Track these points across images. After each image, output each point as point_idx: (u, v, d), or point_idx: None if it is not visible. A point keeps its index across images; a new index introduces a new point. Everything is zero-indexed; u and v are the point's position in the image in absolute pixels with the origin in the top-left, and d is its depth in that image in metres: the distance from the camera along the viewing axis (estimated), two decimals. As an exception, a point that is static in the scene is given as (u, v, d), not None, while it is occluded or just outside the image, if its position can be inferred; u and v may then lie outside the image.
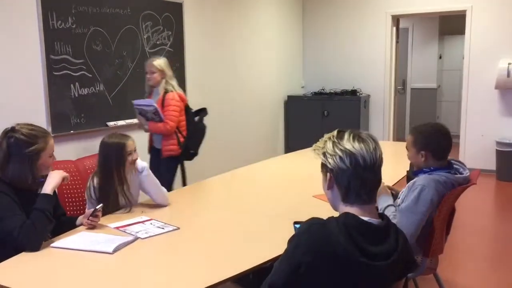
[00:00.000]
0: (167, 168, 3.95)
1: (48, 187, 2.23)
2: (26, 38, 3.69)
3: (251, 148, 6.41)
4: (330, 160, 1.46)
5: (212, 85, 5.71)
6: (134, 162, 2.68)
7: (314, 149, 1.53)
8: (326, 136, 1.53)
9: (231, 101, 6.08)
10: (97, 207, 2.39)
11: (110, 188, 2.62)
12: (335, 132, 1.51)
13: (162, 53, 4.90)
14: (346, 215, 1.42)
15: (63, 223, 2.41)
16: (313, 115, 7.01)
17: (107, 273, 1.94)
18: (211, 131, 5.79)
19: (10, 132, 2.25)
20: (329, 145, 1.48)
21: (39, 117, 3.79)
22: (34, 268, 1.98)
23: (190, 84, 5.30)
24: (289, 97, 7.25)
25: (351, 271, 1.35)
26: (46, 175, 2.29)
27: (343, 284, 1.37)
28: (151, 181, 2.74)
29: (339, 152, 1.45)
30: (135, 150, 2.69)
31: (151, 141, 4.11)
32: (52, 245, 2.15)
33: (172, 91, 3.85)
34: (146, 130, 3.97)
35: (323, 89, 7.29)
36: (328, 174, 1.49)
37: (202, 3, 5.49)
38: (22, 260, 2.02)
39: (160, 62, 3.86)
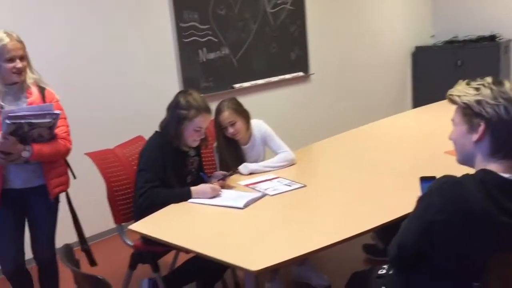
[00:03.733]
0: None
1: (196, 195, 2.35)
2: (157, 8, 3.93)
3: (376, 104, 6.21)
4: (488, 109, 1.32)
5: (334, 41, 5.59)
6: (232, 134, 2.74)
7: (459, 95, 1.38)
8: (464, 82, 1.39)
9: (355, 57, 5.90)
10: (227, 173, 2.53)
11: (226, 151, 2.77)
12: (488, 79, 1.36)
13: (283, 12, 4.90)
14: (484, 172, 1.33)
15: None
16: (445, 67, 6.51)
17: (239, 226, 2.06)
18: (336, 89, 5.74)
19: (181, 93, 2.52)
20: (487, 92, 1.33)
21: (173, 81, 4.07)
22: (176, 220, 2.18)
23: (311, 42, 5.24)
24: (417, 47, 6.81)
25: (488, 230, 1.28)
26: (208, 176, 2.53)
27: (478, 244, 1.30)
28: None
29: (503, 101, 1.31)
30: (231, 125, 2.71)
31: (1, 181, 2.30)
32: (189, 200, 2.35)
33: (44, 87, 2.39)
34: (23, 160, 2.25)
35: (456, 37, 6.71)
36: (481, 124, 1.34)
37: (322, -44, 5.32)
38: (166, 212, 2.24)
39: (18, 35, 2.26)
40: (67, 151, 2.37)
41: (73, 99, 3.28)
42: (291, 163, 2.81)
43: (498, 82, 1.35)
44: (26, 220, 2.43)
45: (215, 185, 2.40)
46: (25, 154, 2.20)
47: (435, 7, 7.02)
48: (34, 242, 2.45)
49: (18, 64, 2.21)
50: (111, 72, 3.72)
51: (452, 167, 1.52)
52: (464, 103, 1.37)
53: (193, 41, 4.17)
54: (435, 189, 1.34)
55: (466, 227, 1.29)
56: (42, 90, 2.34)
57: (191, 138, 2.45)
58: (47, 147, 2.26)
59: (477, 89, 1.35)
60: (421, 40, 6.89)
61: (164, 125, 2.46)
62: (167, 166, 2.41)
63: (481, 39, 6.43)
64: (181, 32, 4.07)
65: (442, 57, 6.57)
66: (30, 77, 2.30)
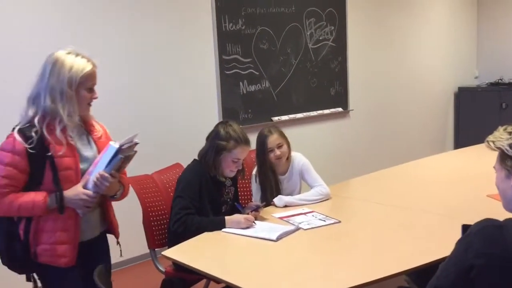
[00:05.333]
0: None
1: (230, 224, 2.35)
2: (202, 41, 4.06)
3: (417, 143, 6.10)
4: None
5: (375, 79, 5.58)
6: (278, 157, 2.76)
7: (493, 141, 1.39)
8: (502, 128, 1.40)
9: (395, 95, 5.86)
10: (260, 204, 2.53)
11: (265, 177, 2.77)
12: None
13: (324, 49, 4.95)
14: None
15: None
16: (489, 108, 6.37)
17: (271, 258, 2.04)
18: (375, 126, 5.69)
19: (221, 123, 2.56)
20: None
21: (213, 112, 4.14)
22: (209, 249, 2.19)
23: (352, 79, 5.25)
24: (460, 88, 6.70)
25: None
26: (243, 206, 2.52)
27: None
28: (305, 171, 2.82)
29: None
30: (278, 147, 2.76)
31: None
32: (223, 230, 2.35)
33: None
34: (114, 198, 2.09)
35: (501, 79, 6.57)
36: None
37: (366, -5, 5.39)
38: (199, 240, 2.25)
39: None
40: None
41: (119, 126, 3.38)
42: (326, 198, 2.78)
43: None
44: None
45: (249, 216, 2.40)
46: (119, 193, 2.05)
47: (479, 48, 6.94)
48: None
49: (96, 94, 1.96)
50: (156, 101, 3.82)
51: (495, 211, 1.47)
52: (498, 147, 1.39)
53: (235, 73, 4.26)
54: (476, 232, 1.30)
55: (505, 273, 1.24)
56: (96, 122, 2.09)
57: (229, 169, 2.48)
58: (127, 182, 2.11)
59: (510, 133, 1.38)
60: (465, 81, 6.79)
61: (203, 154, 2.50)
62: (203, 195, 2.43)
63: (527, 82, 6.28)
64: (224, 64, 4.16)
65: (486, 99, 6.44)
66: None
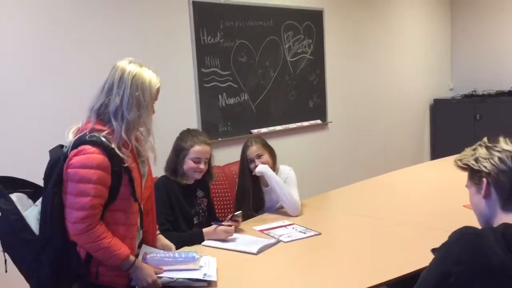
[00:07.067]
0: None
1: (208, 236, 2.37)
2: (181, 54, 4.05)
3: (393, 155, 6.18)
4: (485, 163, 1.38)
5: (352, 91, 5.65)
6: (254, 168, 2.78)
7: (460, 159, 1.45)
8: (469, 148, 1.46)
9: (373, 107, 5.94)
10: (236, 213, 2.52)
11: (243, 187, 2.80)
12: (484, 139, 1.45)
13: (303, 61, 5.00)
14: (505, 225, 1.32)
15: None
16: (464, 120, 6.50)
17: (251, 272, 2.03)
18: (353, 138, 5.75)
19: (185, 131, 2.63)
20: (482, 150, 1.41)
21: (192, 125, 4.10)
22: (188, 263, 2.15)
23: (330, 91, 5.31)
24: (436, 100, 6.83)
25: (507, 286, 1.23)
26: (221, 220, 2.49)
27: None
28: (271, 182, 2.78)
29: (497, 154, 1.38)
30: (258, 157, 2.78)
31: None
32: (203, 243, 2.33)
33: None
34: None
35: (475, 91, 6.73)
36: (483, 180, 1.39)
37: (342, 8, 5.47)
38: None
39: None
40: None
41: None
42: (292, 209, 2.72)
43: (493, 140, 1.43)
44: None
45: (227, 228, 2.39)
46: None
47: (453, 60, 7.10)
48: None
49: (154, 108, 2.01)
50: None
51: (471, 221, 1.50)
52: (465, 164, 1.44)
53: (214, 86, 4.26)
54: (455, 239, 1.32)
55: (483, 280, 1.25)
56: None
57: (191, 170, 2.49)
58: None
59: (474, 149, 1.44)
60: (440, 93, 6.92)
61: (167, 161, 2.52)
62: (174, 207, 2.43)
63: (500, 94, 6.43)
64: (202, 77, 4.16)
65: (460, 110, 6.57)
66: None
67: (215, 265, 1.98)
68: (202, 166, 2.50)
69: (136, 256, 1.92)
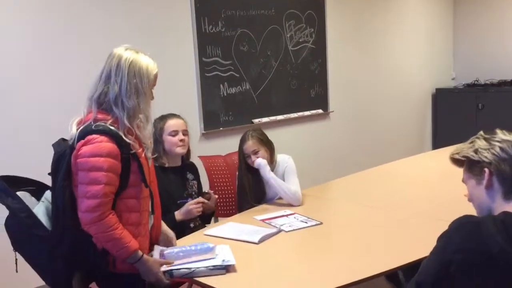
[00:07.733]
0: None
1: (181, 216, 2.45)
2: (182, 43, 4.03)
3: (396, 144, 6.17)
4: (486, 153, 1.39)
5: (354, 80, 5.63)
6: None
7: (457, 152, 1.45)
8: (462, 143, 1.47)
9: (375, 96, 5.92)
10: (204, 191, 2.66)
11: (242, 178, 2.82)
12: (480, 132, 1.45)
13: (304, 51, 4.97)
14: (506, 213, 1.32)
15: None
16: (466, 109, 6.48)
17: (252, 261, 2.04)
18: (355, 127, 5.74)
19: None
20: (481, 141, 1.42)
21: (193, 115, 4.12)
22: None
23: (332, 80, 5.29)
24: (438, 90, 6.81)
25: (507, 273, 1.24)
26: (187, 199, 2.54)
27: (496, 286, 1.27)
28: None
29: (497, 143, 1.38)
30: (254, 153, 2.76)
31: None
32: (205, 233, 2.34)
33: None
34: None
35: (477, 80, 6.70)
36: (485, 170, 1.39)
37: (344, -3, 5.44)
38: (181, 243, 2.22)
39: None
40: None
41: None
42: (295, 201, 2.71)
43: (489, 133, 1.44)
44: None
45: (195, 200, 2.49)
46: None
47: (456, 50, 7.06)
48: None
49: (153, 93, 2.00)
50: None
51: (472, 209, 1.50)
52: (463, 156, 1.44)
53: (215, 75, 4.24)
54: (455, 228, 1.33)
55: (483, 268, 1.26)
56: None
57: (174, 146, 2.55)
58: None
59: (471, 142, 1.45)
60: (442, 82, 6.89)
61: (154, 149, 2.52)
62: (169, 193, 2.48)
63: (503, 83, 6.41)
64: (204, 67, 4.15)
65: (463, 100, 6.55)
66: None
67: (230, 251, 2.00)
68: (182, 137, 2.56)
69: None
